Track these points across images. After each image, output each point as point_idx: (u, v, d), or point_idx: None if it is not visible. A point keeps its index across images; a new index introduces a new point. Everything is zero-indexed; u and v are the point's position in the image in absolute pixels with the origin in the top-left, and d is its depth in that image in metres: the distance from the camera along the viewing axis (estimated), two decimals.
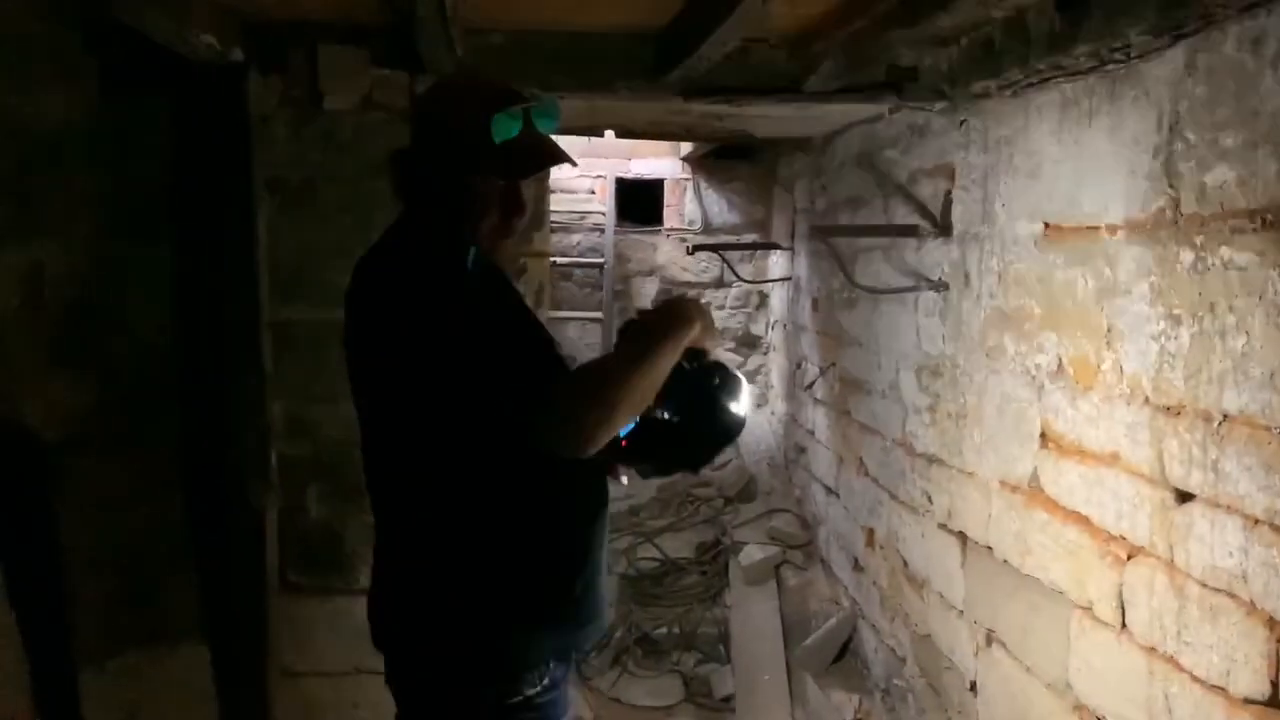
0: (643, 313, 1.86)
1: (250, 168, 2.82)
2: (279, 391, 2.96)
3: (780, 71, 2.83)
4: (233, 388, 2.68)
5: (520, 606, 1.74)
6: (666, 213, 5.93)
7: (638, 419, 1.77)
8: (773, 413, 5.87)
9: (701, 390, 1.84)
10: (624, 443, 1.80)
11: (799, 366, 5.26)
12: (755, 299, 5.98)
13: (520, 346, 1.66)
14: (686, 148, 5.56)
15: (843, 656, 4.34)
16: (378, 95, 2.91)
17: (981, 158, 2.91)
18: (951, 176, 3.12)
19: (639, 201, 5.89)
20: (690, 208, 5.93)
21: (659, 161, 5.82)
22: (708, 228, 5.86)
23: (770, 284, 5.72)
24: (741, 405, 1.89)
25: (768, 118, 3.49)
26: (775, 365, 6.00)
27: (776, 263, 5.64)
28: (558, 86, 2.91)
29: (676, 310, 1.77)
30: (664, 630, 4.49)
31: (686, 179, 5.92)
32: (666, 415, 1.83)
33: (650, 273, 5.91)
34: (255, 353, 2.86)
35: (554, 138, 1.84)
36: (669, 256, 5.87)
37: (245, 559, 2.72)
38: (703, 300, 5.98)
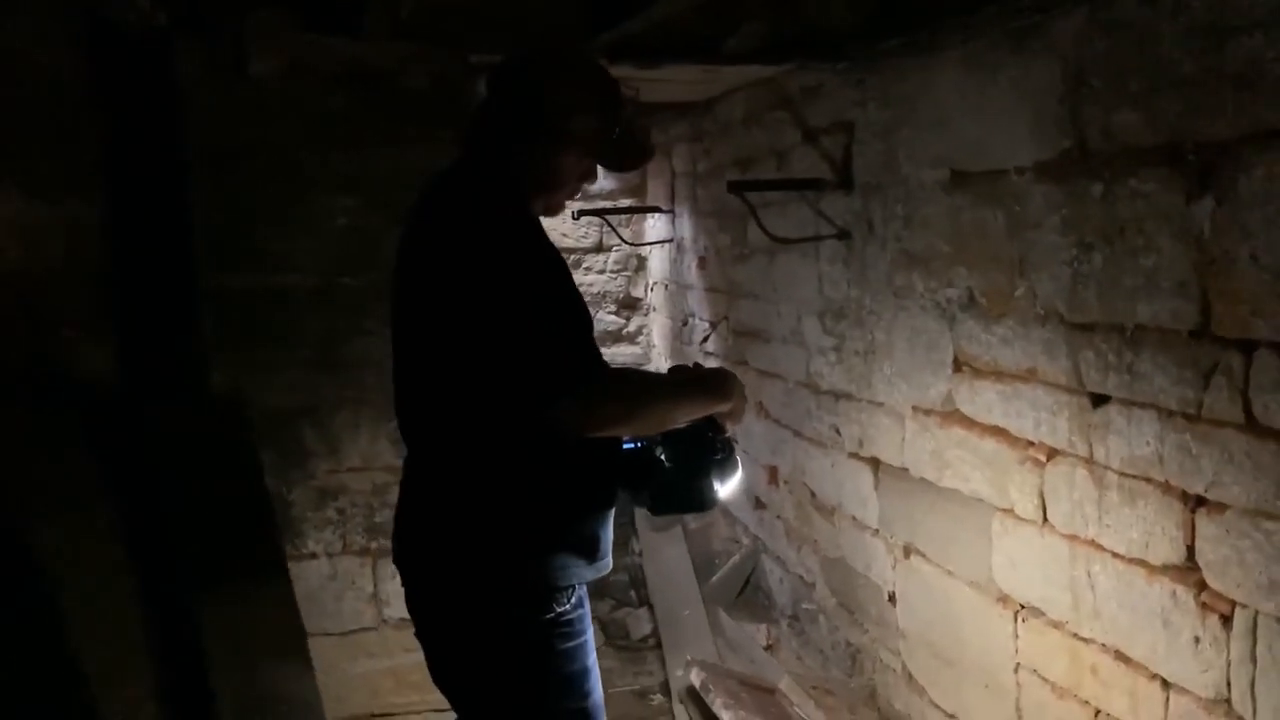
0: (698, 367, 2.00)
1: (180, 135, 2.78)
2: (216, 360, 2.94)
3: (699, 34, 2.99)
4: (174, 356, 2.66)
5: (550, 538, 1.86)
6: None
7: (638, 443, 1.93)
8: (658, 371, 6.09)
9: (702, 455, 1.93)
10: None
11: (685, 324, 5.49)
12: (634, 262, 6.17)
13: (569, 323, 1.76)
14: None
15: (744, 591, 4.62)
16: (306, 60, 2.92)
17: (881, 114, 3.17)
18: (850, 132, 3.37)
19: None
20: None
21: None
22: (584, 194, 5.99)
23: (649, 246, 5.91)
24: (724, 489, 1.98)
25: (669, 82, 3.66)
26: (657, 325, 6.21)
27: (654, 226, 5.83)
28: (491, 46, 3.00)
29: (726, 381, 1.92)
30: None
31: None
32: (662, 455, 1.94)
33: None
34: (192, 322, 2.84)
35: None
36: (548, 223, 5.95)
37: None
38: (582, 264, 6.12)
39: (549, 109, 1.83)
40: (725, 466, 1.96)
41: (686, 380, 1.91)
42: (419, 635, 1.97)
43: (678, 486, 1.94)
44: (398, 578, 3.15)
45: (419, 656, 3.19)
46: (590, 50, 3.00)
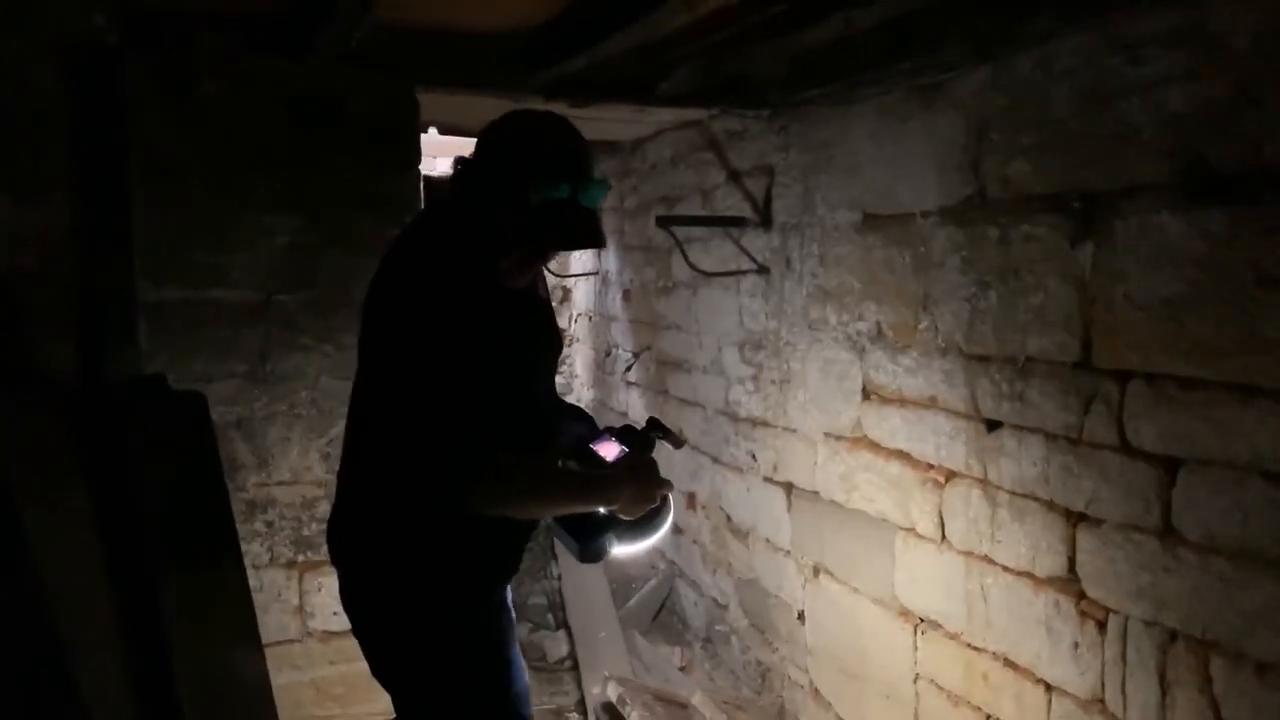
0: (603, 471, 2.00)
1: (126, 150, 2.84)
2: (152, 370, 2.98)
3: (634, 77, 3.16)
4: (113, 366, 2.70)
5: (469, 557, 1.96)
6: None
7: None
8: (579, 399, 6.21)
9: (594, 525, 1.97)
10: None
11: (608, 354, 5.63)
12: (559, 294, 6.30)
13: (473, 404, 1.74)
14: None
15: (659, 614, 4.74)
16: (252, 82, 3.01)
17: (801, 158, 3.38)
18: (771, 174, 3.58)
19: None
20: None
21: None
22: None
23: (574, 279, 6.05)
24: (620, 547, 2.00)
25: (600, 120, 3.82)
26: (580, 356, 6.34)
27: (580, 259, 5.98)
28: (434, 80, 3.14)
29: (617, 490, 1.93)
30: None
31: None
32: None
33: None
34: (133, 334, 2.88)
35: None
36: None
37: None
38: None
39: (491, 159, 1.85)
40: (627, 532, 1.99)
41: (576, 486, 1.95)
42: (355, 631, 2.06)
43: (572, 537, 2.00)
44: (324, 590, 3.25)
45: (342, 669, 3.27)
46: (529, 85, 3.15)
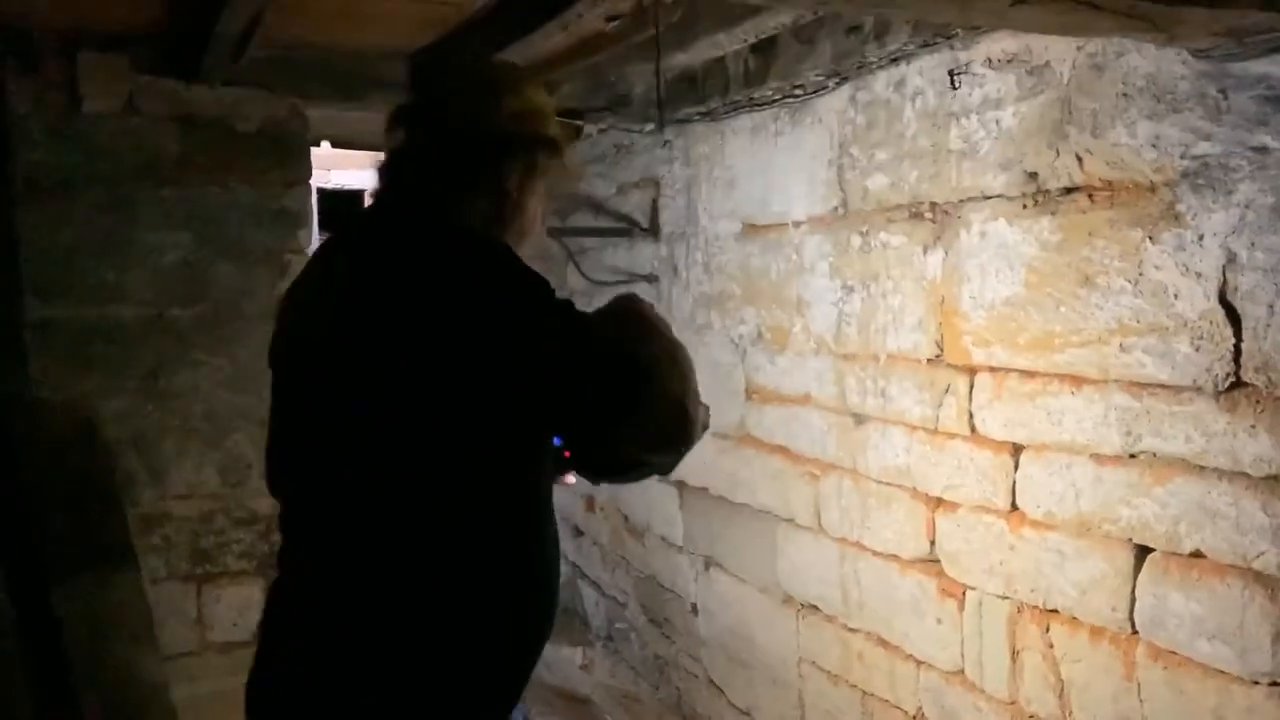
0: None
1: (7, 167, 2.85)
2: (43, 389, 2.98)
3: None
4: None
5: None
6: None
7: None
8: None
9: None
10: (566, 454, 1.64)
11: None
12: None
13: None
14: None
15: (561, 616, 4.85)
16: (139, 101, 3.03)
17: (684, 171, 3.54)
18: (658, 187, 3.73)
19: (340, 212, 6.07)
20: None
21: (359, 173, 6.05)
22: None
23: None
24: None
25: None
26: None
27: None
28: (321, 96, 3.20)
29: None
30: None
31: None
32: None
33: None
34: (19, 352, 2.88)
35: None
36: None
37: None
38: None
39: (513, 127, 1.50)
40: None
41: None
42: None
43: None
44: (222, 602, 3.28)
45: (243, 679, 3.29)
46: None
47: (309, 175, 3.29)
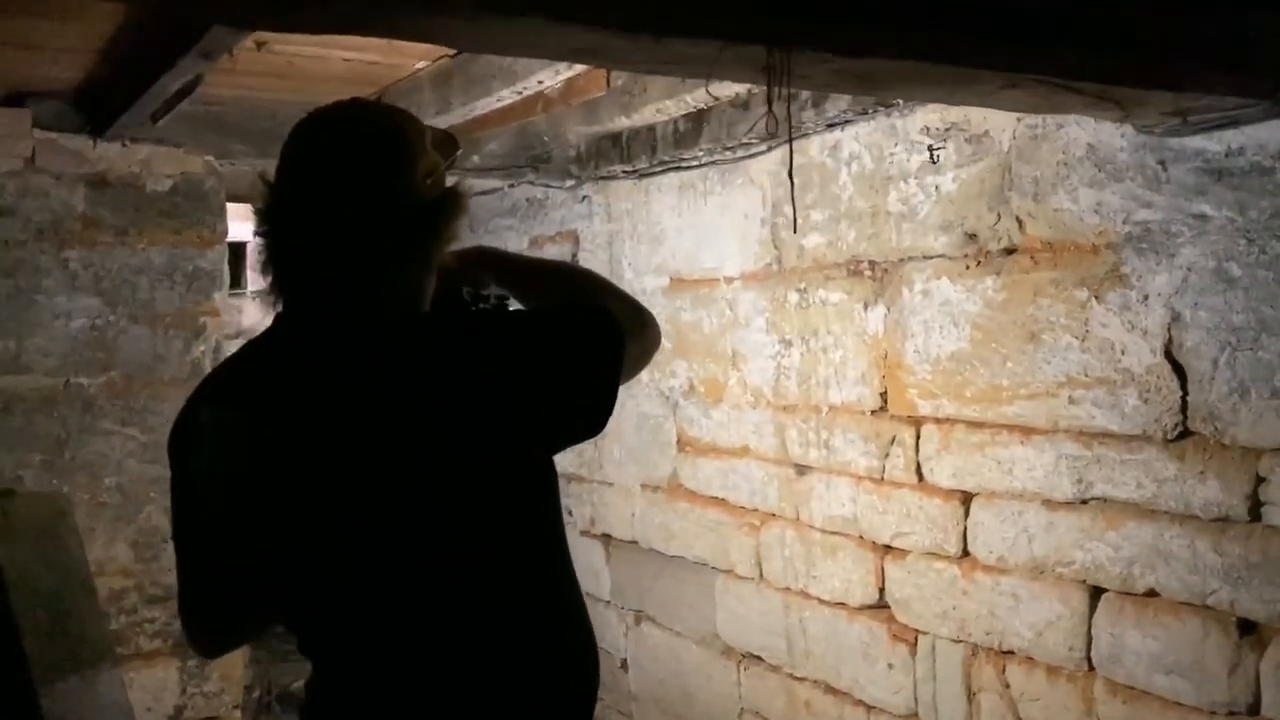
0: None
1: None
2: None
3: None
4: None
5: None
6: (250, 276, 5.97)
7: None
8: None
9: None
10: None
11: None
12: None
13: None
14: None
15: None
16: (42, 159, 2.87)
17: (605, 226, 3.57)
18: (576, 241, 3.75)
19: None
20: None
21: (241, 225, 5.86)
22: None
23: None
24: None
25: None
26: None
27: None
28: (237, 154, 3.11)
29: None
30: (300, 682, 4.56)
31: None
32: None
33: (237, 334, 5.89)
34: None
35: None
36: (255, 319, 5.91)
37: None
38: None
39: (429, 194, 1.40)
40: None
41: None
42: None
43: None
44: (135, 686, 3.07)
45: None
46: None
47: (225, 234, 3.18)
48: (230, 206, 3.36)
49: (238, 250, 6.01)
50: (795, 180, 2.72)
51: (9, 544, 1.40)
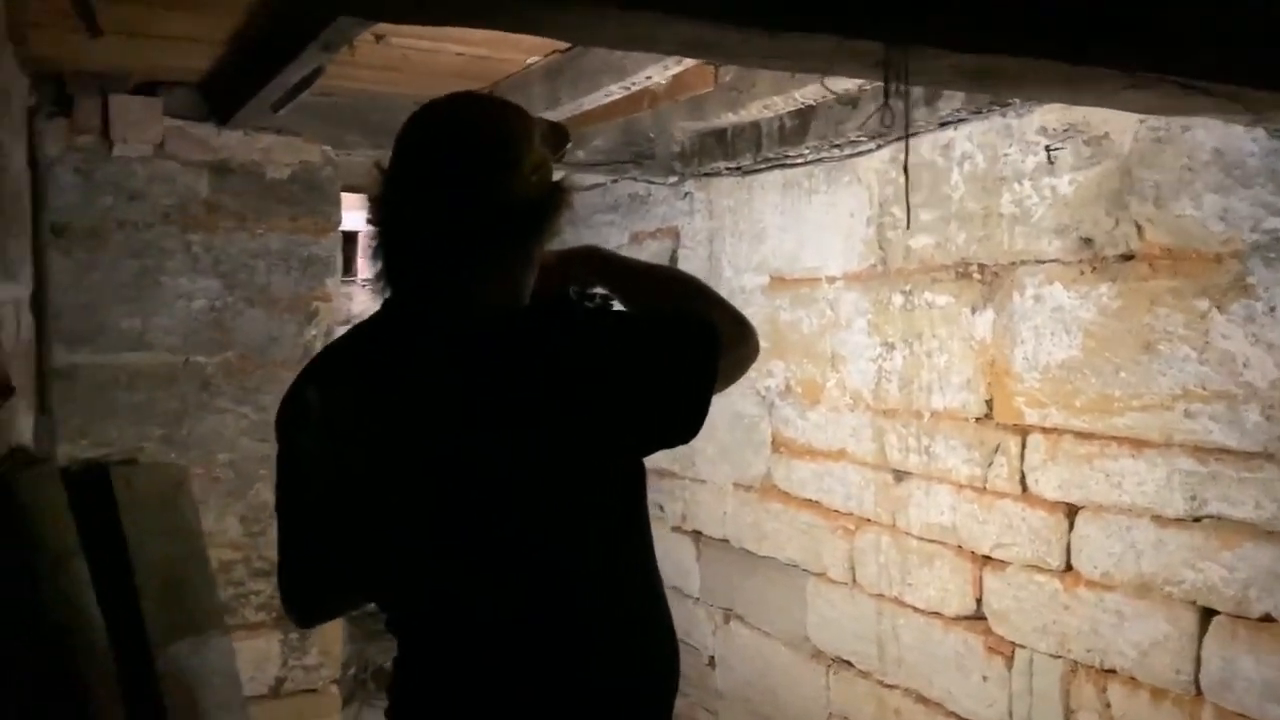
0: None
1: (39, 211, 2.79)
2: (65, 436, 2.91)
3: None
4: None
5: None
6: (361, 264, 6.13)
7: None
8: None
9: None
10: None
11: None
12: None
13: None
14: None
15: None
16: (171, 145, 3.00)
17: (706, 223, 3.57)
18: (676, 237, 3.75)
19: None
20: None
21: (352, 214, 6.02)
22: None
23: None
24: None
25: None
26: None
27: None
28: (354, 144, 3.20)
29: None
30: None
31: None
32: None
33: (346, 321, 6.07)
34: (45, 399, 2.81)
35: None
36: (365, 306, 6.06)
37: None
38: None
39: (534, 191, 1.41)
40: None
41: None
42: None
43: None
44: (240, 655, 3.18)
45: None
46: None
47: (339, 222, 3.27)
48: (344, 196, 3.47)
49: (350, 238, 6.18)
50: (903, 179, 2.69)
51: (131, 511, 1.47)
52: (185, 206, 3.04)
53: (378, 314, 1.46)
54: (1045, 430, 2.32)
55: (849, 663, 2.93)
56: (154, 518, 1.52)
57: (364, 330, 1.48)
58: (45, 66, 2.77)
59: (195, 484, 3.09)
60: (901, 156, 2.70)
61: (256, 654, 3.19)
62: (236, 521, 3.15)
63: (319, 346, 3.20)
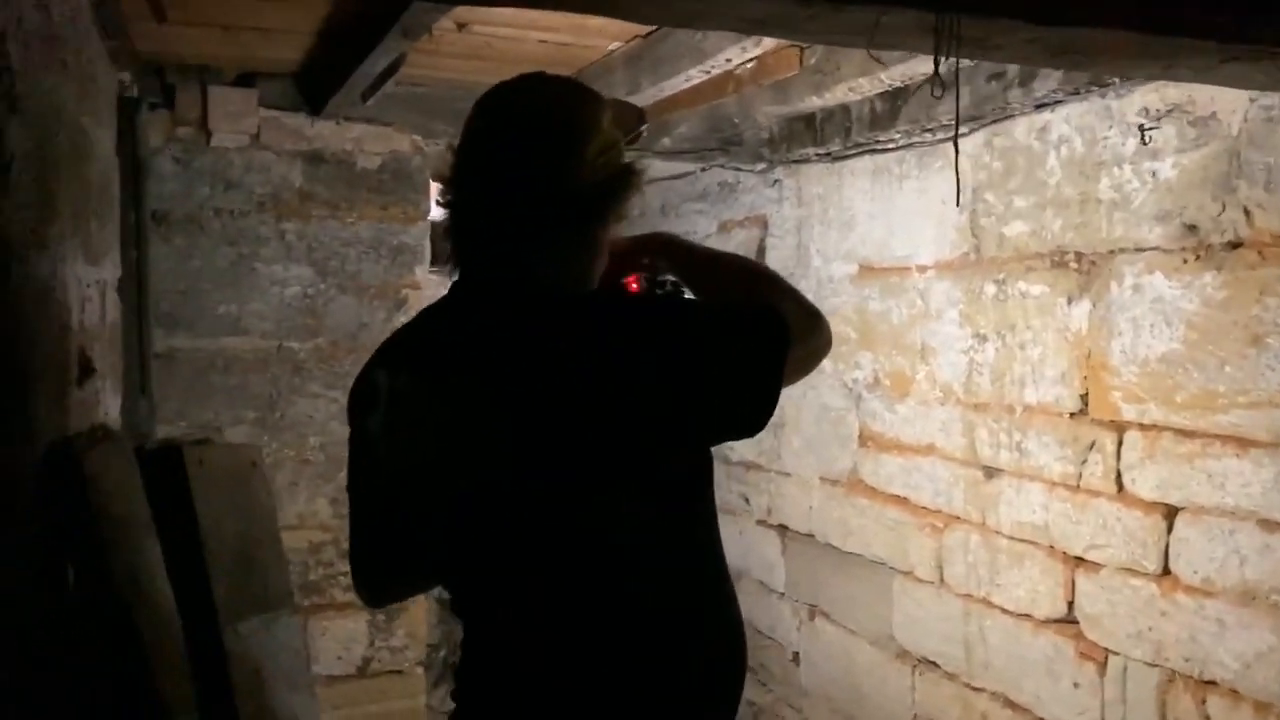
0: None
1: (140, 200, 2.90)
2: (162, 419, 3.02)
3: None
4: (125, 416, 2.73)
5: None
6: None
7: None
8: None
9: None
10: None
11: None
12: None
13: None
14: None
15: None
16: (266, 135, 3.08)
17: (795, 211, 3.50)
18: (765, 226, 3.69)
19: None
20: None
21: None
22: None
23: None
24: None
25: None
26: None
27: None
28: (442, 133, 3.23)
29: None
30: None
31: None
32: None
33: None
34: (145, 381, 2.92)
35: None
36: None
37: None
38: None
39: (601, 174, 1.38)
40: None
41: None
42: None
43: None
44: (328, 635, 3.27)
45: (348, 712, 3.28)
46: None
47: (428, 211, 3.31)
48: (435, 185, 3.52)
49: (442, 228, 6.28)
50: (998, 163, 2.59)
51: (203, 488, 1.51)
52: (279, 195, 3.12)
53: (446, 295, 1.46)
54: (1143, 427, 2.20)
55: (934, 663, 2.85)
56: (226, 496, 1.56)
57: (432, 313, 1.47)
58: (146, 60, 2.87)
59: (287, 467, 3.19)
60: (997, 140, 2.60)
61: (344, 634, 3.27)
62: (327, 504, 3.22)
63: None
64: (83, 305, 1.60)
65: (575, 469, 1.33)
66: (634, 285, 1.55)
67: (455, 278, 1.43)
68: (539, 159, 1.34)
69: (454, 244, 1.41)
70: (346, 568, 3.21)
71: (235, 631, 1.47)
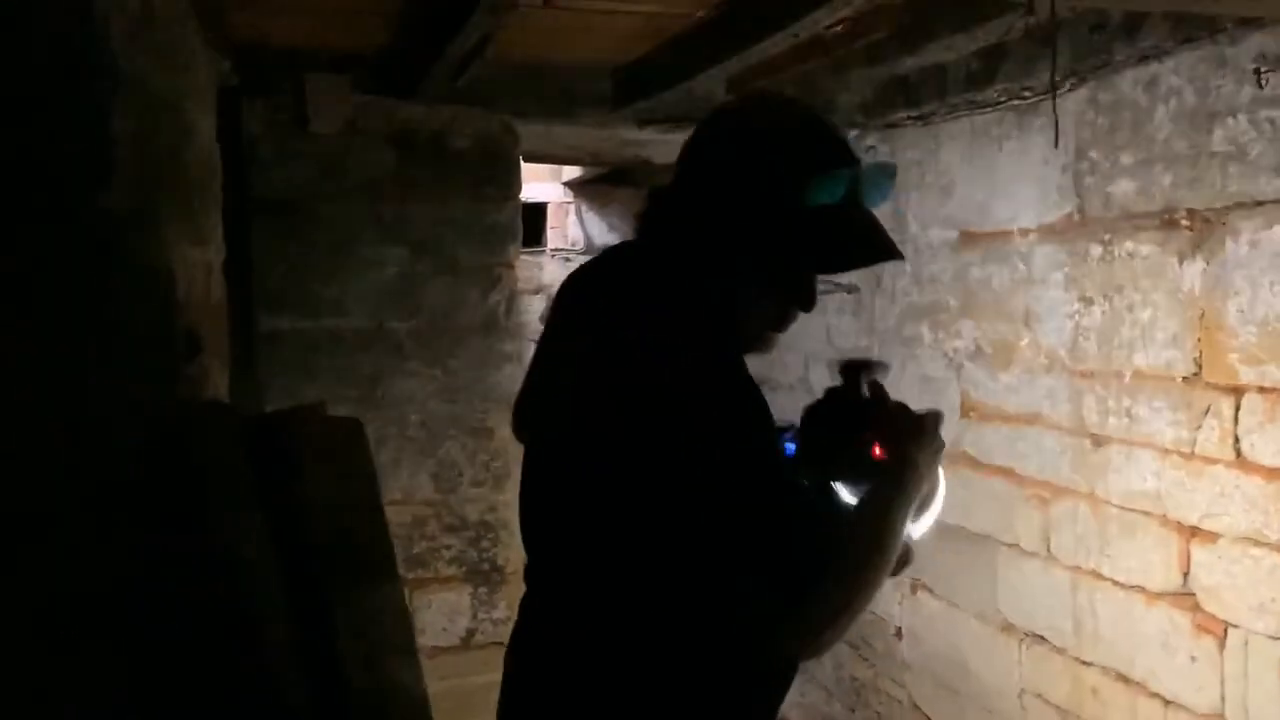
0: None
1: (244, 187, 2.98)
2: (268, 398, 3.12)
3: (716, 103, 3.24)
4: (233, 394, 2.83)
5: None
6: (550, 234, 6.26)
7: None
8: None
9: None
10: None
11: None
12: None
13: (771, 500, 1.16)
14: (570, 172, 5.90)
15: None
16: (360, 120, 3.14)
17: None
18: None
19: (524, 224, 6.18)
20: (573, 229, 6.29)
21: (541, 185, 6.14)
22: (590, 248, 6.23)
23: None
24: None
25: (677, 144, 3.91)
26: None
27: None
28: (532, 114, 3.25)
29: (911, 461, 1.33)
30: None
31: (569, 202, 6.27)
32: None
33: (537, 291, 6.23)
34: (251, 361, 3.02)
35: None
36: (554, 275, 6.20)
37: None
38: None
39: (721, 175, 1.27)
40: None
41: (884, 524, 1.25)
42: None
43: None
44: (433, 607, 3.34)
45: (452, 683, 3.35)
46: (622, 116, 3.25)
47: (519, 191, 3.33)
48: (526, 167, 3.53)
49: (540, 210, 6.32)
50: (1102, 120, 2.49)
51: (309, 462, 1.55)
52: (375, 178, 3.17)
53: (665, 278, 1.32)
54: (1263, 390, 2.10)
55: (1042, 637, 2.77)
56: (330, 467, 1.60)
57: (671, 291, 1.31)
58: (243, 48, 2.95)
59: (390, 443, 3.26)
60: (1101, 95, 2.50)
61: (448, 606, 3.33)
62: (429, 479, 3.28)
63: (502, 313, 3.30)
64: (189, 284, 1.66)
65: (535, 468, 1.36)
66: (876, 450, 1.33)
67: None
68: (761, 184, 1.24)
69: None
70: (448, 541, 3.32)
71: (343, 601, 1.51)
